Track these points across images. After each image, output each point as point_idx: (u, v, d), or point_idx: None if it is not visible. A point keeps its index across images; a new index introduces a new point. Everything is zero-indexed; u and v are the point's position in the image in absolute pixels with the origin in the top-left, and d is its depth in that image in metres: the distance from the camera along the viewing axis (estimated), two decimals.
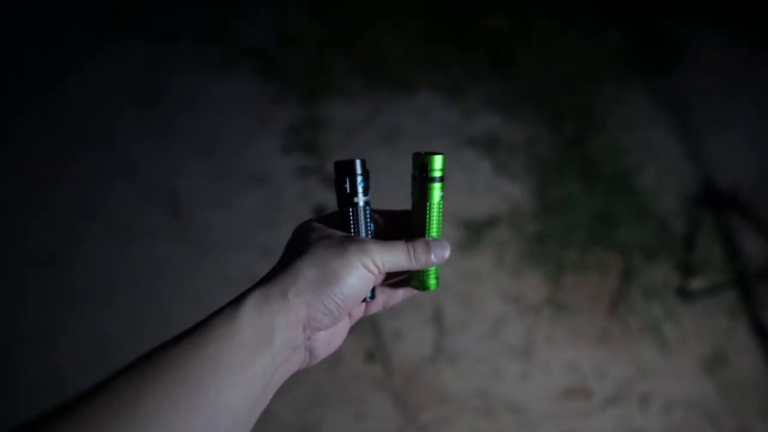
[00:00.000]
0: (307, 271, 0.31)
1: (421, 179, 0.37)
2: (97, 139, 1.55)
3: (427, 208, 0.37)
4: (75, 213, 1.40)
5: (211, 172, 1.52)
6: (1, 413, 1.09)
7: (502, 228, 1.48)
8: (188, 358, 0.26)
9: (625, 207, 1.57)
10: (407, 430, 1.15)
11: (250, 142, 1.59)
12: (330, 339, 0.34)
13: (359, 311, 0.39)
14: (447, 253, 0.36)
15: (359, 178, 0.36)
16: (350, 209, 0.36)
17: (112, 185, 1.46)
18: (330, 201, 1.47)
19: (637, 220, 1.55)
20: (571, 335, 1.31)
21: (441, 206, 0.37)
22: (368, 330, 1.26)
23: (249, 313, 0.28)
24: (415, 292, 0.40)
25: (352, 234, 0.36)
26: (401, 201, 0.42)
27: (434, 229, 0.37)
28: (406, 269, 0.36)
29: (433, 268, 0.38)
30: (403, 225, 0.39)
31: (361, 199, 0.36)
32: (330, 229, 0.35)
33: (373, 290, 0.37)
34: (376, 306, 0.40)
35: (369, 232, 0.37)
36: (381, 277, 0.38)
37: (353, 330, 0.39)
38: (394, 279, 0.41)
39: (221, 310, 0.29)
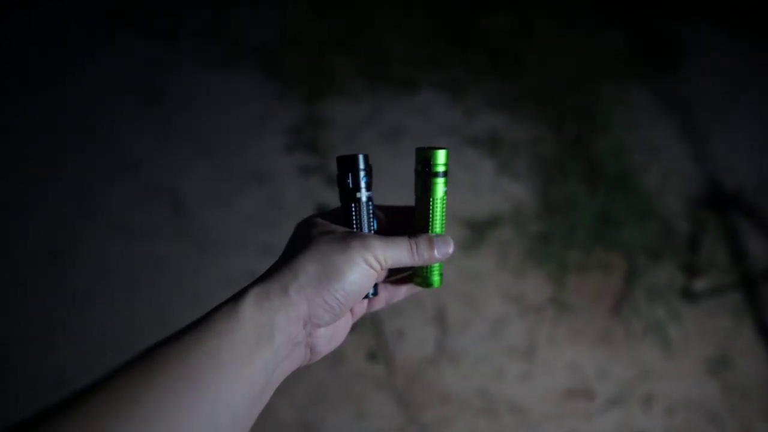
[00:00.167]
0: (308, 266, 0.30)
1: (425, 174, 0.36)
2: (97, 139, 1.55)
3: (431, 203, 0.36)
4: (75, 213, 1.40)
5: (212, 171, 1.52)
6: (1, 413, 1.08)
7: (505, 228, 1.48)
8: (189, 354, 0.25)
9: (628, 207, 1.56)
10: (408, 430, 1.14)
11: (250, 142, 1.59)
12: (332, 336, 0.34)
13: (362, 308, 0.38)
14: (450, 249, 0.36)
15: (362, 173, 0.36)
16: (353, 205, 0.36)
17: (113, 185, 1.46)
18: (331, 200, 1.47)
19: (641, 220, 1.54)
20: (573, 336, 1.31)
21: (444, 201, 0.37)
22: (370, 329, 1.26)
23: (249, 309, 0.28)
24: (418, 289, 0.39)
25: (355, 230, 0.35)
26: (402, 201, 0.41)
27: (437, 225, 0.37)
28: (408, 265, 0.35)
29: (436, 265, 0.38)
30: (406, 221, 0.39)
31: (363, 195, 0.36)
32: (332, 224, 0.35)
33: (375, 287, 0.37)
34: (379, 303, 0.39)
35: (372, 228, 0.36)
36: (383, 274, 0.37)
37: (355, 328, 0.38)
38: (397, 276, 0.40)
39: (221, 305, 0.29)
